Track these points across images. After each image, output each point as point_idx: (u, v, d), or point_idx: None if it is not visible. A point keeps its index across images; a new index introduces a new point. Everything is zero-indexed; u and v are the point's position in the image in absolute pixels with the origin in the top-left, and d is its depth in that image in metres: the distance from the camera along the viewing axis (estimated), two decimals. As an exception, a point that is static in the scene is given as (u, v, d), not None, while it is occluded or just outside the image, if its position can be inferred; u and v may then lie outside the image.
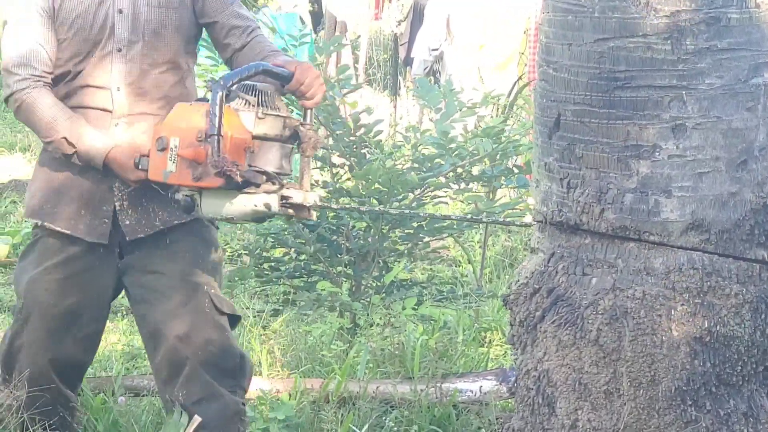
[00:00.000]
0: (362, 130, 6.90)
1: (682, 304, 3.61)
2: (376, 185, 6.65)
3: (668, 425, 3.66)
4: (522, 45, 13.86)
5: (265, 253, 7.25)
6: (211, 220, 4.49)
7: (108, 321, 7.63)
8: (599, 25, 3.62)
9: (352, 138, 6.90)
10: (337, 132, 6.89)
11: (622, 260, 3.68)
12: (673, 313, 3.62)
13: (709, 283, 3.60)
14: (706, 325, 3.61)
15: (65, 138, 4.37)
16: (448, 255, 9.19)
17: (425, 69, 16.43)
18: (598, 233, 3.71)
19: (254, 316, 6.80)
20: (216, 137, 4.02)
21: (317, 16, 18.54)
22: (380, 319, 6.92)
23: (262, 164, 4.16)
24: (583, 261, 3.75)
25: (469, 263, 8.82)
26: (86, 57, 4.44)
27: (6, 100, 4.46)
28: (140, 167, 4.27)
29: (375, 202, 6.72)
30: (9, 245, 9.19)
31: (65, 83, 4.49)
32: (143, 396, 5.52)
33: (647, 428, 3.68)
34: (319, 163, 7.43)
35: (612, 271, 3.69)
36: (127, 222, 4.50)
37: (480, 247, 8.80)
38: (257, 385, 5.38)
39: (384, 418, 5.35)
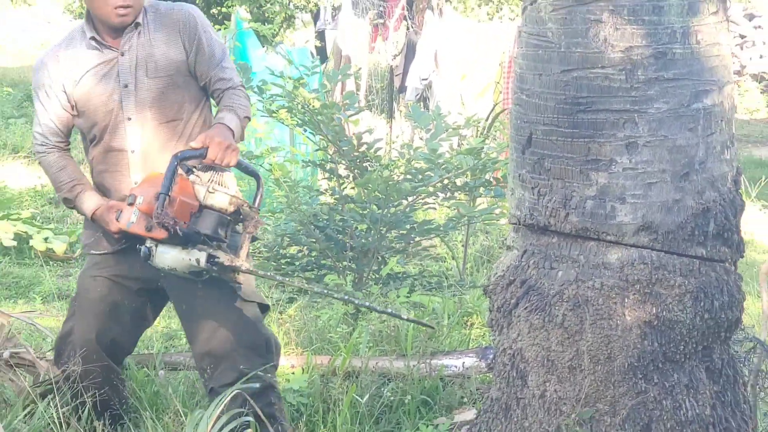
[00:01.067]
0: (364, 146, 6.92)
1: (634, 294, 3.61)
2: (375, 193, 6.65)
3: (622, 395, 3.67)
4: (497, 76, 13.87)
5: (282, 251, 7.25)
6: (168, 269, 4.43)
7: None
8: (565, 58, 3.63)
9: (355, 153, 6.91)
10: (344, 148, 6.90)
11: (583, 256, 3.68)
12: (626, 301, 3.62)
13: (656, 275, 3.60)
14: (654, 311, 3.61)
15: (65, 198, 4.57)
16: (436, 253, 9.19)
17: (416, 95, 16.45)
18: (564, 233, 3.72)
19: (273, 304, 6.79)
20: (162, 196, 4.15)
21: (322, 51, 18.69)
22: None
23: (202, 228, 4.25)
24: (551, 257, 3.75)
25: (453, 259, 8.82)
26: (105, 125, 4.48)
27: (34, 155, 4.75)
28: (118, 219, 4.34)
29: (375, 207, 6.72)
30: (66, 243, 9.19)
31: (94, 146, 4.56)
32: (180, 370, 5.51)
33: (605, 398, 3.68)
34: (327, 174, 7.46)
35: (575, 265, 3.69)
36: None
37: (462, 245, 8.79)
38: (275, 361, 5.38)
39: (382, 388, 5.33)
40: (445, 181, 6.96)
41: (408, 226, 7.03)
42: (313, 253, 7.07)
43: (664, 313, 3.61)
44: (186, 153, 4.26)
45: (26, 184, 11.93)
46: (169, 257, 4.26)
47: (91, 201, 4.50)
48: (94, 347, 4.58)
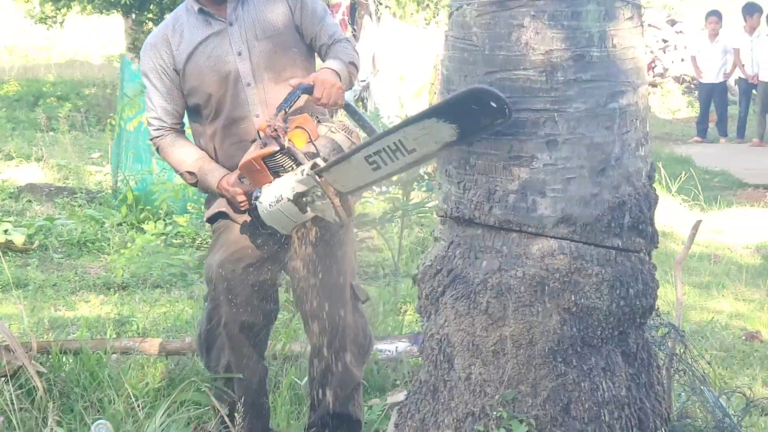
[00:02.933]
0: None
1: (554, 282, 3.59)
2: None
3: (543, 377, 3.64)
4: (432, 77, 13.92)
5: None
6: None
7: (102, 295, 7.60)
8: (489, 60, 3.59)
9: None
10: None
11: (506, 247, 3.65)
12: (546, 289, 3.59)
13: (575, 265, 3.58)
14: (573, 299, 3.59)
15: (187, 171, 4.38)
16: (373, 244, 9.16)
17: (355, 97, 16.43)
18: (488, 225, 3.68)
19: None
20: (279, 108, 4.04)
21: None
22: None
23: (316, 150, 4.09)
24: (476, 247, 3.72)
25: (389, 250, 8.80)
26: (221, 96, 4.33)
27: (151, 142, 4.51)
28: (242, 181, 4.21)
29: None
30: (25, 235, 9.14)
31: (212, 121, 4.40)
32: (129, 354, 5.45)
33: (526, 380, 3.66)
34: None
35: (498, 255, 3.66)
36: None
37: (398, 237, 8.78)
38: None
39: (320, 371, 5.32)
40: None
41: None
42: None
43: (582, 300, 3.59)
44: (301, 88, 4.13)
45: (-14, 180, 11.84)
46: (275, 186, 4.02)
47: (216, 172, 4.33)
48: (245, 333, 4.49)
